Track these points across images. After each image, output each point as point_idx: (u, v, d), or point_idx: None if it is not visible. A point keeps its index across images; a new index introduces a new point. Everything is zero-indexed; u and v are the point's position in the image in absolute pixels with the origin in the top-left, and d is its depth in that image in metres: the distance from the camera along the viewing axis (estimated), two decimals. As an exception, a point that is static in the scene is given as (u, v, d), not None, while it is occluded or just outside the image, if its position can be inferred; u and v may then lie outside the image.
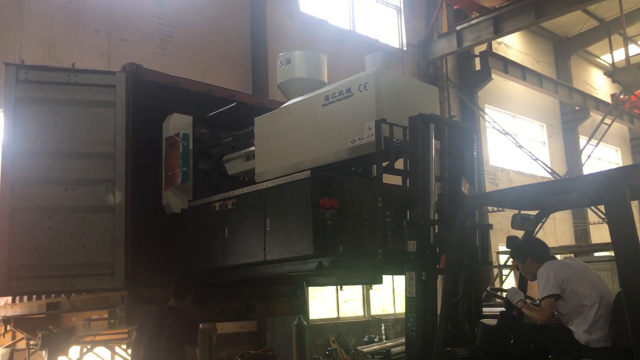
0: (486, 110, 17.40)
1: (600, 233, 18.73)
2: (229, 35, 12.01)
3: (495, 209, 13.05)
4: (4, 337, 8.27)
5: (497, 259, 15.12)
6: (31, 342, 7.51)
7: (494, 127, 16.87)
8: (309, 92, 5.55)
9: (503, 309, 4.49)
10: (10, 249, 5.63)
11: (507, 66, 17.23)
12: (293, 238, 4.95)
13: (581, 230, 19.71)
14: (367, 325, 13.36)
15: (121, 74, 6.22)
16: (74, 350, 8.15)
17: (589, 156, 16.79)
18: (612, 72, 14.66)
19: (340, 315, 13.26)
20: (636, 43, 19.95)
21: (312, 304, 12.77)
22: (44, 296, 6.86)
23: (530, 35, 20.62)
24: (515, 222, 4.65)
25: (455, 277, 4.40)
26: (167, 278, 5.68)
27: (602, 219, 14.08)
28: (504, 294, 4.50)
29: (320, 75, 6.03)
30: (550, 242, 17.38)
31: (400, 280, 7.91)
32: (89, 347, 8.33)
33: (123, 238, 5.98)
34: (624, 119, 21.86)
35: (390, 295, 14.50)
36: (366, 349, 11.92)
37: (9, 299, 7.44)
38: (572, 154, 20.04)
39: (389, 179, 4.92)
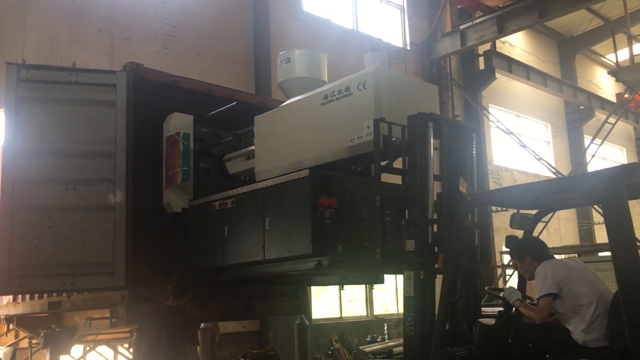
0: (490, 109, 17.36)
1: (604, 233, 18.52)
2: (232, 34, 12.03)
3: (499, 208, 13.03)
4: (6, 335, 8.32)
5: (501, 258, 15.07)
6: (34, 341, 7.55)
7: (498, 127, 16.83)
8: (309, 91, 5.55)
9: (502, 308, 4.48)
10: (11, 248, 5.64)
11: (512, 65, 17.18)
12: (292, 237, 4.95)
13: (586, 230, 19.63)
14: (370, 325, 13.36)
15: (122, 73, 6.23)
16: (77, 349, 8.19)
17: (593, 155, 16.72)
18: (616, 72, 14.57)
19: (343, 315, 13.26)
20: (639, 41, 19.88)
21: (316, 304, 12.79)
22: (45, 295, 6.89)
23: (534, 35, 20.55)
24: (514, 222, 4.64)
25: (454, 277, 4.39)
26: (168, 277, 5.68)
27: (606, 218, 13.98)
28: (503, 293, 4.49)
29: (321, 74, 6.03)
30: (555, 242, 17.38)
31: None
32: (91, 345, 8.37)
33: (124, 237, 5.98)
34: (629, 119, 21.77)
35: (393, 295, 14.49)
36: (368, 348, 11.93)
37: (11, 297, 7.47)
38: (577, 153, 19.96)
39: (390, 178, 4.92)
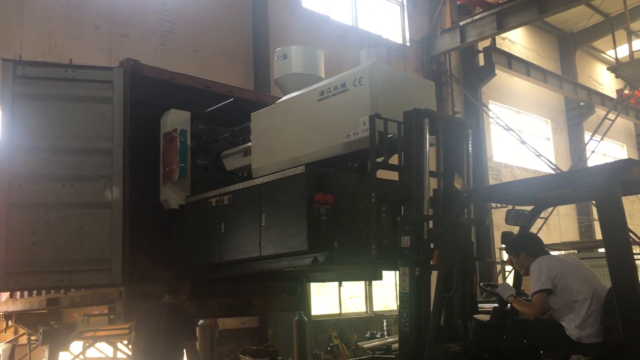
0: (490, 106, 17.34)
1: (604, 229, 18.58)
2: (231, 31, 12.02)
3: (499, 205, 13.02)
4: (5, 332, 8.32)
5: (500, 255, 15.07)
6: (32, 338, 7.54)
7: (498, 123, 16.81)
8: (305, 88, 5.54)
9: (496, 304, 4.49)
10: (8, 245, 5.64)
11: (511, 62, 17.15)
12: (288, 233, 4.95)
13: (586, 227, 19.62)
14: (370, 321, 13.37)
15: (119, 70, 6.23)
16: (76, 346, 8.21)
17: (593, 152, 16.70)
18: (616, 68, 14.54)
19: (342, 312, 13.28)
20: (641, 38, 19.82)
21: (317, 300, 12.82)
22: (43, 292, 6.90)
23: (534, 31, 20.51)
24: (510, 218, 4.64)
25: (448, 273, 4.39)
26: (165, 274, 5.69)
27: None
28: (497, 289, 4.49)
29: (317, 71, 6.02)
30: (555, 238, 17.38)
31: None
32: (90, 342, 8.39)
33: (121, 234, 5.99)
34: (630, 115, 21.73)
35: (393, 291, 14.50)
36: (367, 344, 11.95)
37: (9, 294, 7.48)
38: (577, 149, 19.94)
39: (387, 174, 4.92)
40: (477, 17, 15.26)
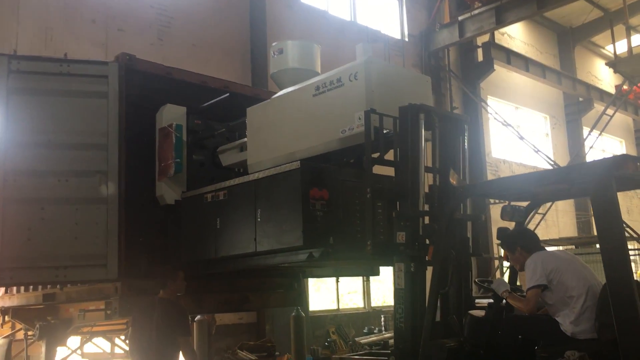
0: (489, 101, 17.31)
1: (602, 225, 18.57)
2: (228, 26, 11.97)
3: (497, 201, 13.01)
4: (2, 327, 8.31)
5: (498, 250, 15.07)
6: (29, 333, 7.55)
7: (496, 119, 16.79)
8: (301, 82, 5.52)
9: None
10: (3, 240, 5.61)
11: (510, 57, 17.12)
12: (283, 229, 4.93)
13: (584, 222, 19.62)
14: (368, 317, 13.39)
15: (114, 64, 6.19)
16: (74, 341, 8.21)
17: (591, 147, 16.68)
18: (614, 63, 14.51)
19: (340, 307, 13.28)
20: (640, 33, 19.78)
21: (316, 296, 12.83)
22: (40, 287, 6.89)
23: (533, 26, 20.46)
24: (505, 213, 4.63)
25: (444, 269, 4.38)
26: (161, 269, 5.68)
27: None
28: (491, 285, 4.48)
29: (314, 65, 5.99)
30: (553, 234, 17.38)
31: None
32: (87, 337, 8.39)
33: (116, 229, 5.96)
34: (629, 110, 21.71)
35: (391, 287, 14.47)
36: (364, 340, 11.97)
37: (4, 289, 7.47)
38: (576, 145, 19.92)
39: (383, 170, 4.91)
40: (476, 12, 15.21)
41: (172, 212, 6.23)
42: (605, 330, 3.75)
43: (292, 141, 5.32)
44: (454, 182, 4.51)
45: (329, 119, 5.00)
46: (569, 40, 21.56)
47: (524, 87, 19.13)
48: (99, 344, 8.96)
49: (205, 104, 6.49)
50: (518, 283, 5.08)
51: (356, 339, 12.13)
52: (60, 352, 7.50)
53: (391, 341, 11.15)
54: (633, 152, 24.33)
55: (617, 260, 3.49)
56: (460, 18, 15.49)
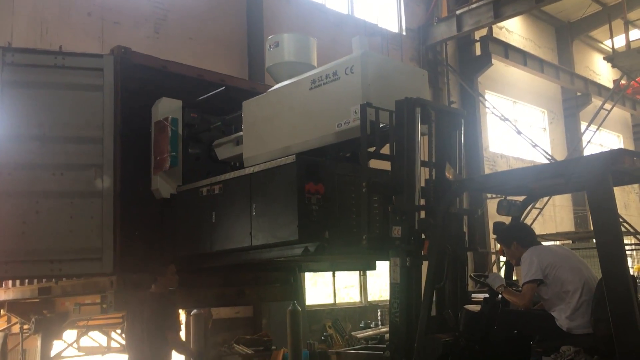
0: (486, 96, 17.28)
1: (600, 220, 18.60)
2: (225, 19, 11.91)
3: (494, 195, 13.01)
4: (-3, 321, 8.32)
5: (495, 245, 15.08)
6: (25, 327, 7.54)
7: (494, 113, 16.77)
8: (297, 76, 5.48)
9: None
10: (-2, 234, 5.62)
11: (508, 51, 17.07)
12: (279, 223, 4.92)
13: (581, 217, 19.65)
14: (364, 311, 13.39)
15: (109, 57, 6.16)
16: (70, 334, 8.20)
17: (589, 142, 16.67)
18: (612, 57, 14.49)
19: (337, 301, 13.28)
20: (638, 27, 19.73)
21: (313, 290, 12.82)
22: (35, 281, 6.87)
23: (532, 20, 20.42)
24: (501, 208, 4.62)
25: (440, 263, 4.36)
26: (157, 263, 5.67)
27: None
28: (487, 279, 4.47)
29: (310, 59, 5.95)
30: (550, 229, 17.40)
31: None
32: (84, 331, 8.38)
33: (111, 223, 5.96)
34: (627, 105, 21.70)
35: (387, 282, 14.49)
36: (361, 334, 11.97)
37: (1, 283, 7.45)
38: (573, 140, 19.92)
39: (379, 164, 4.89)
40: (474, 6, 15.16)
41: (167, 205, 6.22)
42: (601, 325, 3.75)
43: (288, 135, 5.29)
44: (450, 177, 4.49)
45: (325, 113, 4.97)
46: (567, 35, 21.53)
47: (522, 82, 19.11)
48: (95, 338, 8.97)
49: (201, 98, 6.47)
50: (514, 278, 5.07)
51: (353, 333, 12.13)
52: (56, 345, 7.49)
53: (387, 335, 11.20)
54: (631, 147, 24.34)
55: (613, 255, 3.48)
56: (458, 12, 15.43)
